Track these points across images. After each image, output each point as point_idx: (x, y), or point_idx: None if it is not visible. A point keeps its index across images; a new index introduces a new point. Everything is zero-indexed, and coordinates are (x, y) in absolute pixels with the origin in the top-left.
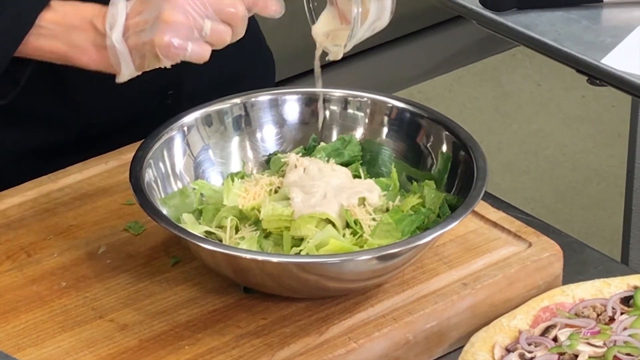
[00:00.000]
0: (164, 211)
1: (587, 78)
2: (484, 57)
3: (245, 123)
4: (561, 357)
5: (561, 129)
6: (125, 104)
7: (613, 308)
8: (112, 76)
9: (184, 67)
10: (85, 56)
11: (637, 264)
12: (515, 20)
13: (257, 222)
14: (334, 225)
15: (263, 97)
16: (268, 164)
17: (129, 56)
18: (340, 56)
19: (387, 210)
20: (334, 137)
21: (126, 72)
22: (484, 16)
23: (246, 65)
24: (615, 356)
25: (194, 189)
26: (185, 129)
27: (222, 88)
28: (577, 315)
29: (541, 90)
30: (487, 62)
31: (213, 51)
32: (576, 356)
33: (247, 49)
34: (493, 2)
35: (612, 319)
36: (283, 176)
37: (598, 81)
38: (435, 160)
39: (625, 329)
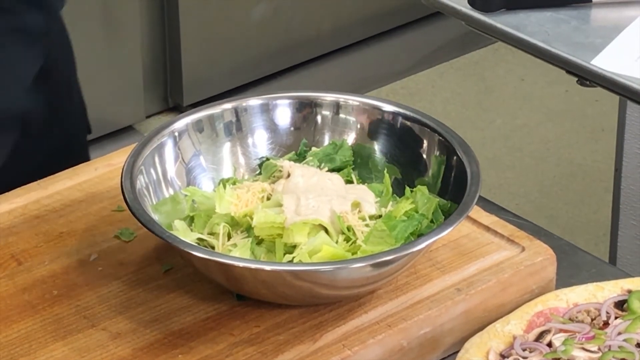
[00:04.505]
0: (156, 218)
1: (577, 79)
2: (466, 52)
3: (237, 128)
4: None
5: (545, 124)
6: None
7: (607, 312)
8: None
9: None
10: None
11: (625, 263)
12: (504, 21)
13: (249, 229)
14: (327, 231)
15: (254, 102)
16: (260, 168)
17: None
18: None
19: (380, 216)
20: (326, 141)
21: None
22: (472, 17)
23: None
24: None
25: (185, 195)
26: (177, 134)
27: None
28: (571, 320)
29: (525, 85)
30: (470, 57)
31: None
32: None
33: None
34: (481, 3)
35: (606, 324)
36: (275, 182)
37: (588, 82)
38: (428, 165)
39: (619, 333)
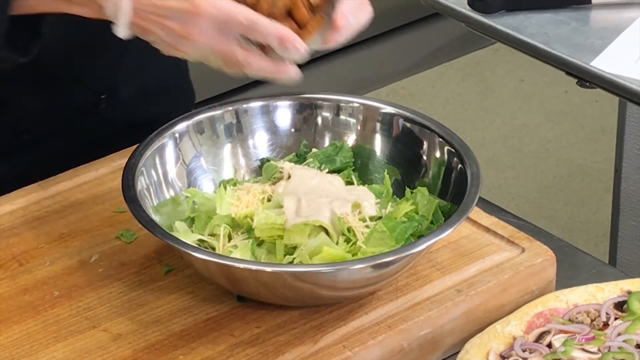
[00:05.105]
0: (156, 219)
1: (576, 80)
2: (466, 53)
3: (237, 130)
4: None
5: (544, 125)
6: (56, 104)
7: (607, 313)
8: (44, 74)
9: (121, 72)
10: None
11: (625, 264)
12: (504, 23)
13: (249, 230)
14: (327, 233)
15: (255, 104)
16: (260, 170)
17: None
18: None
19: (380, 217)
20: (326, 143)
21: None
22: (472, 18)
23: (172, 77)
24: None
25: (186, 196)
26: (177, 136)
27: (149, 97)
28: (571, 320)
29: (524, 86)
30: (470, 57)
31: (150, 59)
32: None
33: (174, 61)
34: (481, 5)
35: (605, 325)
36: (275, 183)
37: (588, 83)
38: (428, 166)
39: (619, 334)
